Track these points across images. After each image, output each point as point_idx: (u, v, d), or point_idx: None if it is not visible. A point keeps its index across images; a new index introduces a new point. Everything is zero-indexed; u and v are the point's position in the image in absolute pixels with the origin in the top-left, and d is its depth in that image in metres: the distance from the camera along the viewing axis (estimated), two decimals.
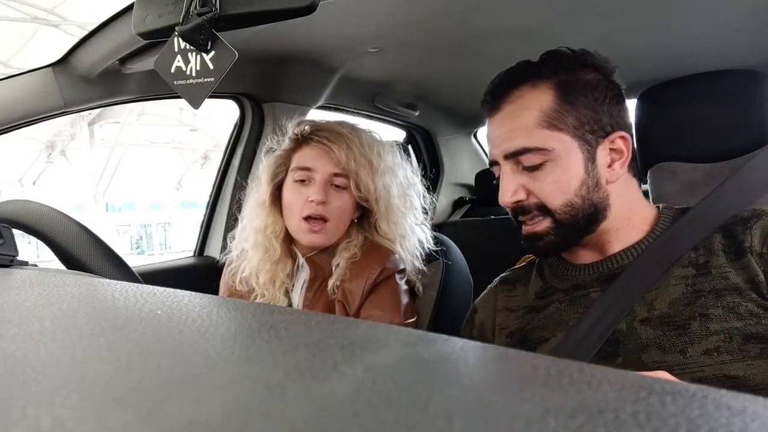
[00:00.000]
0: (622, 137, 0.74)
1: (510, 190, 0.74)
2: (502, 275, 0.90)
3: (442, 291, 1.10)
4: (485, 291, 0.90)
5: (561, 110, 0.72)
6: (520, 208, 0.75)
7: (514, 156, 0.74)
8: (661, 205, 0.80)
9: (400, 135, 2.02)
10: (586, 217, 0.73)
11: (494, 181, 0.79)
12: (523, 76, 0.75)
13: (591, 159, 0.73)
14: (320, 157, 1.00)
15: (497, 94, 0.77)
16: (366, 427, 0.16)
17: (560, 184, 0.72)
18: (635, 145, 1.21)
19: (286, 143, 1.05)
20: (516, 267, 0.91)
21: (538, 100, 0.73)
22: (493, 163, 0.78)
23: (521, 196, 0.74)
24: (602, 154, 0.74)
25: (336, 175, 1.00)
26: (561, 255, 0.81)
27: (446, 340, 0.24)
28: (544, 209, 0.74)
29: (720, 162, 1.12)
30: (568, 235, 0.75)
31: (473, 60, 1.34)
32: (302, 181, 1.00)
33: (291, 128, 1.07)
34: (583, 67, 0.75)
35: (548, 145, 0.72)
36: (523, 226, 0.77)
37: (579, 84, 0.73)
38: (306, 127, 1.04)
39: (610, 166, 0.74)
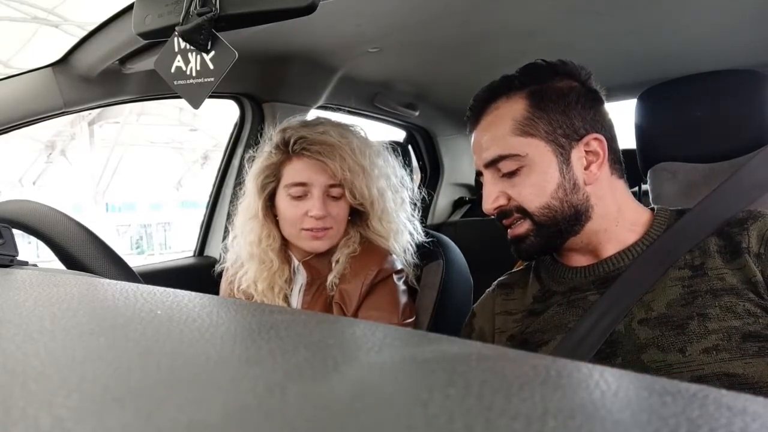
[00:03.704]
0: (597, 139, 0.76)
1: (491, 197, 0.78)
2: (499, 279, 0.91)
3: (442, 291, 1.10)
4: (483, 296, 0.91)
5: (533, 117, 0.75)
6: (502, 213, 0.79)
7: (492, 164, 0.77)
8: (655, 207, 0.80)
9: (400, 135, 2.02)
10: (567, 219, 0.76)
11: (480, 191, 0.82)
12: (499, 89, 0.79)
13: (566, 162, 0.75)
14: (314, 170, 0.98)
15: (477, 109, 0.81)
16: (366, 427, 0.16)
17: (537, 187, 0.75)
18: (636, 146, 1.21)
19: (272, 152, 1.02)
20: (513, 271, 0.92)
21: (511, 110, 0.77)
22: (478, 173, 0.82)
23: (502, 201, 0.78)
24: (577, 156, 0.76)
25: (332, 186, 1.00)
26: (556, 258, 0.82)
27: (446, 340, 0.24)
28: (523, 212, 0.77)
29: (720, 162, 1.12)
30: (550, 236, 0.77)
31: (473, 60, 1.34)
32: (298, 196, 0.99)
33: (276, 136, 1.03)
34: (554, 75, 0.78)
35: (522, 151, 0.75)
36: (507, 231, 0.80)
37: (550, 91, 0.76)
38: (293, 139, 0.99)
39: (587, 168, 0.76)
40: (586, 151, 0.76)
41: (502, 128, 0.76)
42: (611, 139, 0.78)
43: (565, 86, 0.77)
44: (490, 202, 0.78)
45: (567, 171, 0.75)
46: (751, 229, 0.70)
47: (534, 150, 0.75)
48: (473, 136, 0.82)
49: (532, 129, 0.75)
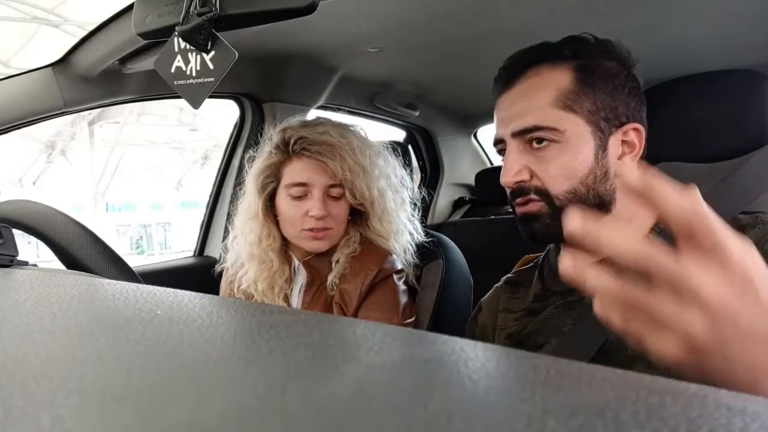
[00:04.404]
0: (636, 129, 0.72)
1: (514, 169, 0.71)
2: (507, 276, 0.89)
3: (442, 291, 1.10)
4: (491, 291, 0.89)
5: (578, 92, 0.70)
6: (519, 189, 0.73)
7: (522, 134, 0.71)
8: None
9: (400, 135, 2.02)
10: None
11: (499, 152, 0.76)
12: (543, 54, 0.73)
13: (602, 147, 0.70)
14: (314, 170, 0.99)
15: (513, 71, 0.74)
16: (366, 427, 0.16)
17: (567, 169, 0.69)
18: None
19: (272, 153, 1.02)
20: (522, 268, 0.90)
21: (555, 80, 0.71)
22: (499, 141, 0.76)
23: (524, 176, 0.71)
24: (614, 144, 0.71)
25: (332, 186, 1.00)
26: (561, 252, 0.81)
27: (446, 340, 0.24)
28: (543, 194, 0.71)
29: (720, 162, 1.12)
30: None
31: (473, 60, 1.34)
32: (299, 196, 0.99)
33: (276, 135, 1.03)
34: (604, 54, 0.74)
35: (561, 126, 0.69)
36: (517, 209, 0.74)
37: (599, 69, 0.72)
38: (293, 139, 0.99)
39: (620, 158, 0.71)
40: (624, 141, 0.72)
41: (543, 97, 0.70)
42: (645, 134, 0.74)
43: (614, 68, 0.73)
44: (512, 174, 0.71)
45: (602, 157, 0.70)
46: (749, 237, 0.69)
47: (573, 128, 0.69)
48: (502, 99, 0.75)
49: (576, 105, 0.69)
